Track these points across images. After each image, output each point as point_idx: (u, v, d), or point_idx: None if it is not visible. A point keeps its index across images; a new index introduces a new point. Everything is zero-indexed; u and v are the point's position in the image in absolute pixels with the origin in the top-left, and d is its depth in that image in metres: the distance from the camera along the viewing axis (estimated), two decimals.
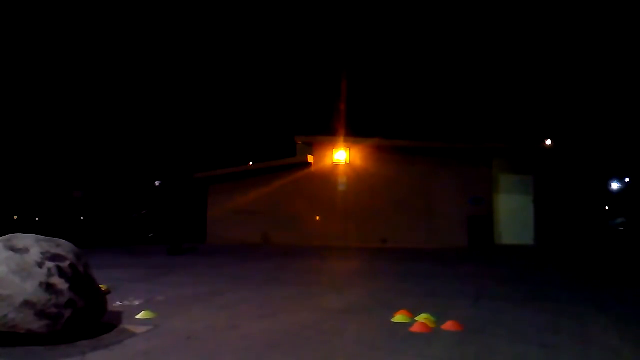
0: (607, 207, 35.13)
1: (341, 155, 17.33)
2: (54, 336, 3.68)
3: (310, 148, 17.98)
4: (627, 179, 34.79)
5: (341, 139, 17.44)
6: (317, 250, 14.01)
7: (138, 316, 4.67)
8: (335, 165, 17.44)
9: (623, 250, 14.41)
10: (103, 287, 5.06)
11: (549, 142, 17.41)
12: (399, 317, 4.61)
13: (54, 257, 3.90)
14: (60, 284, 3.77)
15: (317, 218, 17.30)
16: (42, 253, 3.88)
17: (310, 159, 17.73)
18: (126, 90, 36.05)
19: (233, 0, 42.59)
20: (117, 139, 33.35)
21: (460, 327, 4.25)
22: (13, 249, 3.83)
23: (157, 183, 12.45)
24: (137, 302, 5.41)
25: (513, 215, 16.27)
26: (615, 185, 35.37)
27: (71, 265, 3.94)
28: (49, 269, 3.79)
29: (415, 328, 4.22)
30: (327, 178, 17.41)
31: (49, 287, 3.71)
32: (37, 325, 3.60)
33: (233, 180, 18.64)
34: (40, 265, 3.78)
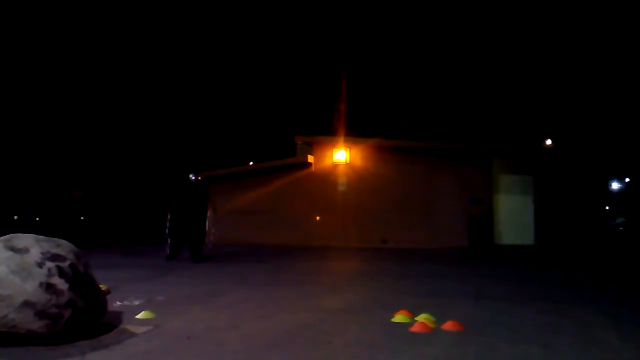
0: (607, 207, 35.14)
1: (341, 155, 17.33)
2: (54, 336, 3.68)
3: (310, 148, 17.98)
4: (627, 179, 34.80)
5: (341, 139, 17.45)
6: (317, 250, 14.01)
7: (138, 316, 4.67)
8: (335, 165, 17.44)
9: (623, 250, 14.41)
10: (103, 287, 5.06)
11: (549, 142, 17.42)
12: (399, 317, 4.61)
13: (54, 257, 3.90)
14: (60, 284, 3.77)
15: (317, 218, 17.30)
16: (42, 253, 3.88)
17: (310, 159, 17.73)
18: (126, 91, 36.06)
19: (233, 1, 42.60)
20: (117, 139, 33.36)
21: (461, 327, 4.25)
22: (13, 249, 3.83)
23: (192, 177, 10.53)
24: (137, 302, 5.41)
25: (513, 215, 16.27)
26: (615, 185, 35.38)
27: (71, 265, 3.94)
28: (49, 269, 3.79)
29: (415, 328, 4.22)
30: (327, 178, 17.40)
31: (49, 287, 3.71)
32: (37, 325, 3.60)
33: (233, 180, 18.64)
34: (40, 265, 3.78)
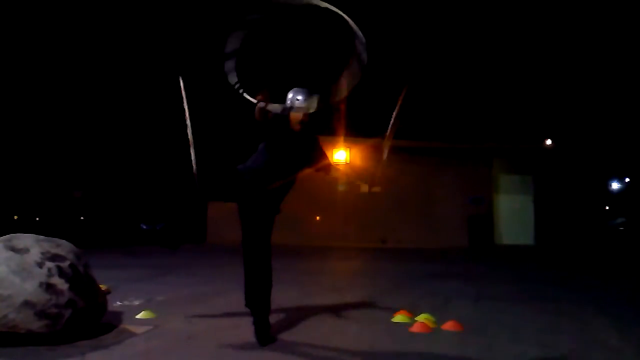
0: (607, 207, 35.16)
1: (341, 155, 17.33)
2: (54, 336, 3.68)
3: None
4: (627, 179, 34.82)
5: (341, 139, 17.45)
6: (317, 250, 14.01)
7: (138, 316, 4.67)
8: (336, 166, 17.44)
9: (623, 250, 14.41)
10: (103, 287, 5.06)
11: (549, 142, 17.41)
12: (399, 317, 4.61)
13: (54, 257, 3.90)
14: (60, 284, 3.77)
15: (317, 218, 17.30)
16: (42, 253, 3.87)
17: None
18: (126, 90, 36.08)
19: (233, 1, 42.60)
20: (117, 139, 33.36)
21: (461, 327, 4.25)
22: (13, 249, 3.83)
23: (298, 99, 3.34)
24: (137, 302, 5.41)
25: (513, 215, 16.29)
26: (615, 185, 35.39)
27: (71, 265, 3.94)
28: (49, 269, 3.79)
29: (415, 328, 4.22)
30: (327, 178, 17.39)
31: (49, 287, 3.70)
32: (37, 325, 3.60)
33: None
34: (40, 265, 3.78)
